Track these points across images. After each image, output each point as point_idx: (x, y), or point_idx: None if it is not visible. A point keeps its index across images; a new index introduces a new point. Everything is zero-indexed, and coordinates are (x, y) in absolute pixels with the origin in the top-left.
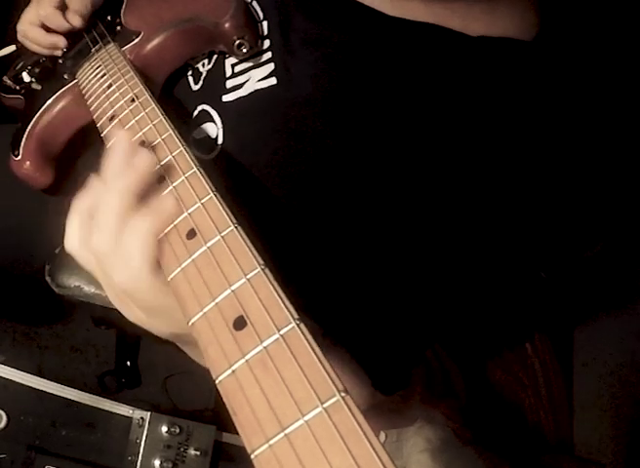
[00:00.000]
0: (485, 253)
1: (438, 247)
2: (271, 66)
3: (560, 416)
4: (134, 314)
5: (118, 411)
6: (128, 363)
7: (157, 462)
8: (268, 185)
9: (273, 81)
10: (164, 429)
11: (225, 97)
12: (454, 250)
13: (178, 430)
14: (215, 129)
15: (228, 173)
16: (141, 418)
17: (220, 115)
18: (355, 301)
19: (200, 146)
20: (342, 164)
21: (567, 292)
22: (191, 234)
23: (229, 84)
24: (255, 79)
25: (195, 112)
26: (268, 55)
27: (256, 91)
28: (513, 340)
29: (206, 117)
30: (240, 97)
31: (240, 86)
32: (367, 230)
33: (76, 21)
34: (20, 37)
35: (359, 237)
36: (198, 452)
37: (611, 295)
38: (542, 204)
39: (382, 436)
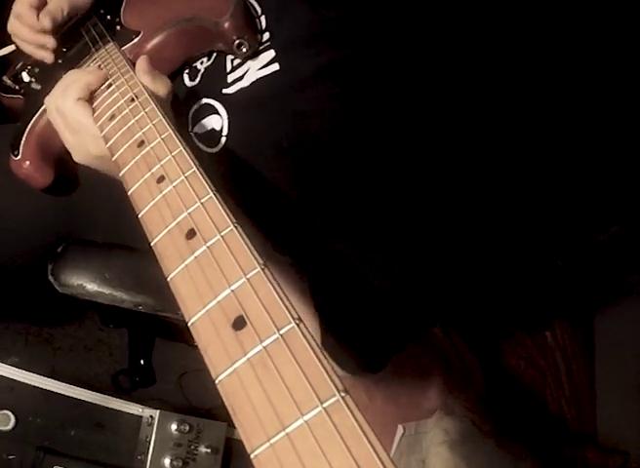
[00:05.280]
0: (497, 239)
1: (448, 233)
2: (272, 53)
3: (582, 405)
4: (65, 135)
5: (127, 410)
6: (142, 361)
7: (167, 461)
8: (276, 171)
9: (276, 67)
10: (173, 427)
11: (226, 90)
12: (464, 235)
13: (187, 428)
14: (219, 121)
15: (235, 162)
16: (151, 417)
17: (224, 107)
18: (359, 285)
19: (205, 139)
20: (351, 143)
21: (586, 278)
22: (191, 234)
23: (230, 78)
24: (255, 68)
25: (195, 107)
26: (267, 43)
27: (258, 79)
28: (533, 329)
29: (210, 110)
30: (242, 88)
31: (241, 78)
32: (376, 212)
33: (45, 22)
34: (11, 35)
35: (367, 218)
36: (209, 450)
37: (630, 280)
38: (554, 185)
39: (400, 429)
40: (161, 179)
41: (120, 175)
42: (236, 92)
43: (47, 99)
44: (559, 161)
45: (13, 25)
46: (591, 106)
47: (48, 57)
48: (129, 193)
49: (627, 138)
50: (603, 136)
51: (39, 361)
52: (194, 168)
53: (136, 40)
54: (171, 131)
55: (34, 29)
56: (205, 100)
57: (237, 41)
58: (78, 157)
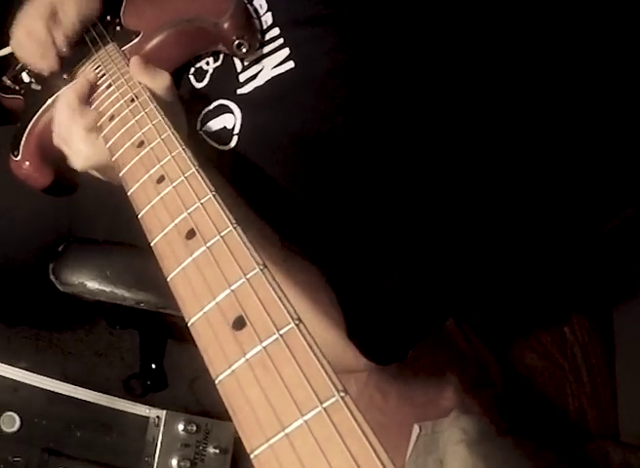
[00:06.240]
0: (507, 228)
1: (459, 223)
2: (286, 51)
3: (603, 401)
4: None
5: (134, 411)
6: (153, 365)
7: (175, 462)
8: (291, 168)
9: (291, 65)
10: (180, 427)
11: (240, 90)
12: (475, 225)
13: (195, 428)
14: (232, 119)
15: (248, 160)
16: (157, 417)
17: (239, 106)
18: (373, 279)
19: (216, 138)
20: (368, 141)
21: (603, 270)
22: (191, 234)
23: (242, 77)
24: (269, 67)
25: (209, 108)
26: (280, 41)
27: (273, 78)
28: (550, 324)
29: (222, 110)
30: (257, 87)
31: (254, 77)
32: (392, 206)
33: (61, 42)
34: (13, 45)
35: (382, 213)
36: (217, 450)
37: None
38: (563, 172)
39: (416, 429)
40: (161, 180)
41: (120, 175)
42: (251, 91)
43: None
44: (567, 147)
45: (21, 41)
46: (601, 92)
47: (46, 72)
48: (129, 193)
49: (634, 125)
50: (610, 121)
51: (50, 366)
52: (194, 168)
53: (135, 40)
54: (170, 131)
55: (43, 46)
56: (218, 102)
57: (237, 41)
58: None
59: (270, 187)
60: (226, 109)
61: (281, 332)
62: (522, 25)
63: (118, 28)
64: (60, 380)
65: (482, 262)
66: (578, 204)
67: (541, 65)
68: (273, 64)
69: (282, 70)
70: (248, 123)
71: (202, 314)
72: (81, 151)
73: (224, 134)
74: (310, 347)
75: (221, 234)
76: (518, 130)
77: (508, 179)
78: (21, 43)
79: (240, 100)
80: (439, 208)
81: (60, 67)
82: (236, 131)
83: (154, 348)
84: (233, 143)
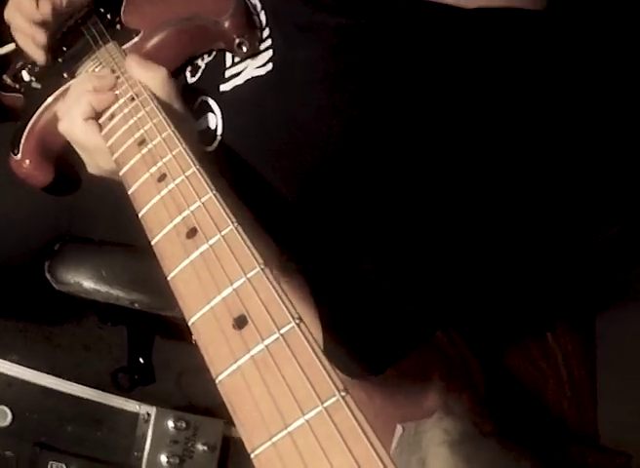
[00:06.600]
0: (498, 244)
1: (448, 237)
2: (270, 53)
3: (584, 406)
4: (77, 149)
5: (124, 407)
6: (141, 360)
7: (164, 458)
8: (268, 172)
9: (269, 67)
10: (170, 424)
11: (223, 87)
12: (464, 239)
13: (184, 425)
14: (214, 119)
15: (230, 162)
16: (147, 414)
17: (218, 105)
18: (359, 289)
19: (201, 138)
20: (338, 148)
21: (586, 279)
22: (192, 233)
23: (228, 73)
24: (252, 66)
25: (196, 104)
26: (267, 42)
27: (252, 78)
28: (534, 329)
29: (206, 108)
30: (236, 86)
31: (237, 75)
32: (374, 215)
33: (45, 9)
34: (7, 24)
35: (365, 222)
36: (206, 447)
37: (631, 281)
38: (554, 188)
39: (400, 429)
40: (162, 178)
41: (120, 173)
42: (231, 89)
43: (59, 112)
44: (559, 163)
45: (9, 12)
46: (595, 100)
47: (39, 55)
48: (129, 192)
49: (627, 138)
50: (602, 135)
51: (39, 359)
52: (194, 167)
53: (136, 39)
54: (170, 130)
55: (30, 19)
56: (203, 98)
57: (237, 40)
58: (91, 170)
59: (252, 189)
60: (209, 108)
61: (282, 332)
62: (524, 29)
63: (118, 27)
64: (49, 373)
65: (473, 277)
66: (573, 216)
67: (542, 84)
68: (256, 65)
69: (262, 72)
70: (228, 124)
71: (203, 313)
72: (103, 153)
73: (209, 134)
74: (311, 346)
75: (222, 233)
76: (513, 140)
77: (502, 194)
78: (11, 16)
79: (220, 99)
80: (428, 217)
81: (59, 65)
82: (219, 131)
83: (142, 343)
84: (216, 144)
